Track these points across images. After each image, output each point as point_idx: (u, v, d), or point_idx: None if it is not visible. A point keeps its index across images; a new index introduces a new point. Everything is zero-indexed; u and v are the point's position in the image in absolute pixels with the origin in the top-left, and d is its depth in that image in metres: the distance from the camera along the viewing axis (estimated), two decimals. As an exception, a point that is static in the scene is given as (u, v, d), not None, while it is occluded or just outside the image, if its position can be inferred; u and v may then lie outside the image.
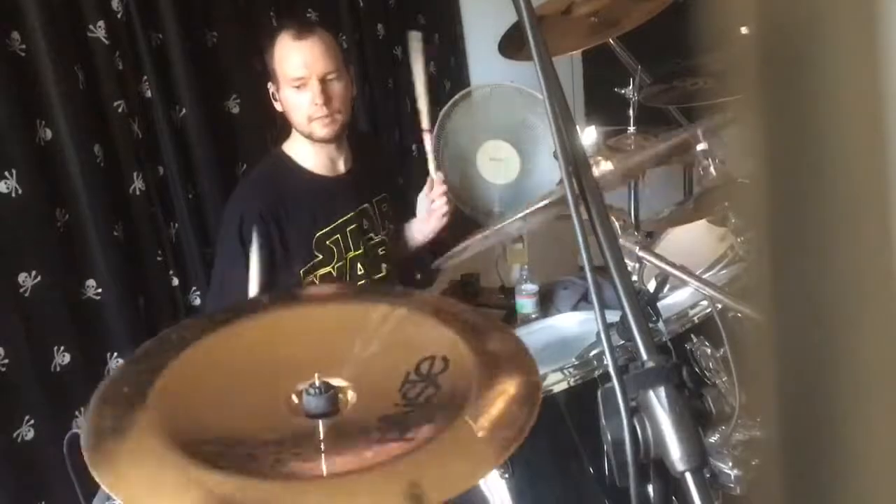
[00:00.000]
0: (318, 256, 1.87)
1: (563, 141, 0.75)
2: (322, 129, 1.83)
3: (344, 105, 1.85)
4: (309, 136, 1.85)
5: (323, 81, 1.79)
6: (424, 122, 1.98)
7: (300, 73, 1.79)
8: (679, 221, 2.01)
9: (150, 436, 0.87)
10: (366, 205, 1.99)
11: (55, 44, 1.75)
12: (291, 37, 1.80)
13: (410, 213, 2.12)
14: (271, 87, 1.87)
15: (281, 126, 1.93)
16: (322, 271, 1.88)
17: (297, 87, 1.80)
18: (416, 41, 1.94)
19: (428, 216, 2.05)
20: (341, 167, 1.96)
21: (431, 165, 2.02)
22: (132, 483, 0.83)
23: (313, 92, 1.79)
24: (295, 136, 1.91)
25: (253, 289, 1.59)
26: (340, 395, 0.97)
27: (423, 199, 2.05)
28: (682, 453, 0.68)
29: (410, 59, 1.95)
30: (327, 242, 1.89)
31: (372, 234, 2.00)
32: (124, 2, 1.94)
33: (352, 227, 1.94)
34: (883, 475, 0.36)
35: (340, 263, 1.91)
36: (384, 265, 2.03)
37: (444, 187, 2.01)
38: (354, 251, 1.94)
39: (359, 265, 1.95)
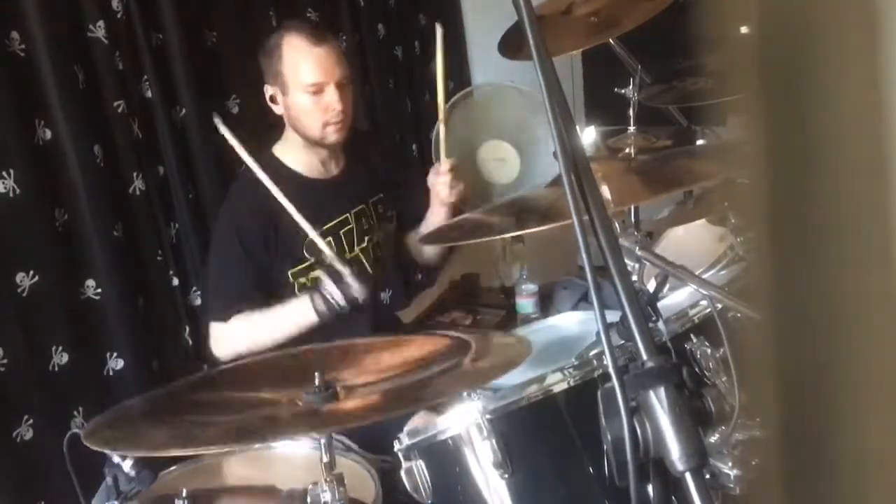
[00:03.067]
0: (308, 259, 1.86)
1: (563, 141, 0.75)
2: (335, 134, 1.84)
3: (353, 109, 1.86)
4: (320, 141, 1.85)
5: (339, 87, 1.79)
6: (441, 113, 1.98)
7: (318, 78, 1.78)
8: (679, 221, 2.01)
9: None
10: (362, 206, 1.98)
11: (55, 44, 1.74)
12: (308, 42, 1.79)
13: (410, 212, 2.12)
14: (270, 90, 1.86)
15: (272, 128, 1.92)
16: (314, 274, 1.87)
17: (313, 92, 1.79)
18: (439, 34, 1.95)
19: (432, 202, 2.03)
20: (333, 169, 1.95)
21: (442, 152, 2.01)
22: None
23: (332, 98, 1.79)
24: (286, 138, 1.90)
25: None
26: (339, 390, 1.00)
27: (431, 183, 2.04)
28: (682, 453, 0.68)
29: (435, 52, 1.96)
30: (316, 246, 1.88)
31: (370, 236, 1.99)
32: (124, 2, 1.93)
33: (346, 229, 1.93)
34: (882, 475, 0.36)
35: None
36: (379, 267, 2.03)
37: (448, 175, 1.98)
38: (349, 254, 1.93)
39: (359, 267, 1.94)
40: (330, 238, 1.87)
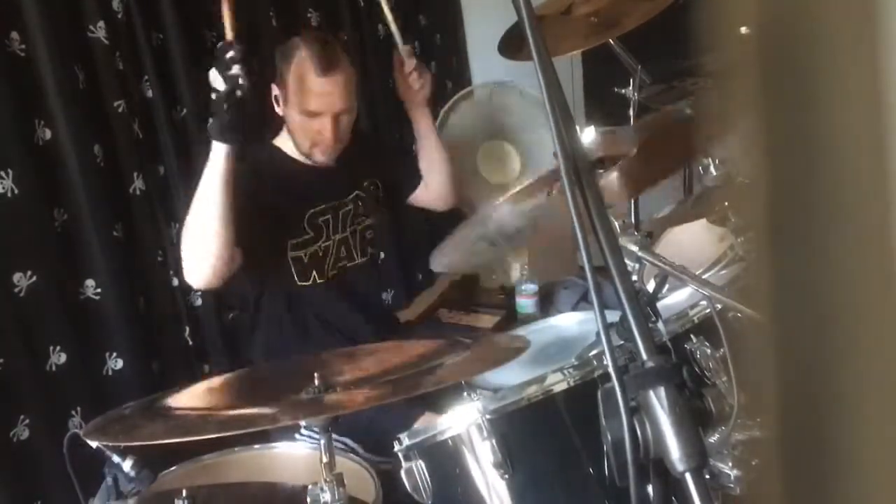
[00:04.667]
0: (308, 233, 1.88)
1: (563, 141, 0.75)
2: (321, 156, 1.86)
3: (347, 134, 1.86)
4: (306, 156, 1.87)
5: (335, 118, 1.80)
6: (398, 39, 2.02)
7: (316, 108, 1.80)
8: (679, 221, 2.01)
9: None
10: (357, 191, 2.00)
11: (55, 44, 1.74)
12: (317, 70, 1.78)
13: (406, 202, 2.14)
14: (275, 90, 1.87)
15: (273, 122, 1.93)
16: (311, 249, 1.89)
17: (309, 116, 1.80)
18: None
19: (407, 94, 2.05)
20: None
21: (398, 40, 2.02)
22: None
23: (324, 127, 1.80)
24: (286, 133, 1.92)
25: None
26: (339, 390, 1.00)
27: (400, 81, 2.04)
28: (682, 453, 0.68)
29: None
30: (319, 220, 1.89)
31: (363, 218, 2.01)
32: (124, 2, 1.93)
33: (345, 210, 1.95)
34: (882, 475, 0.36)
35: (328, 244, 1.92)
36: (370, 249, 2.05)
37: (413, 61, 2.01)
38: (341, 234, 1.95)
39: (342, 248, 1.96)
40: None
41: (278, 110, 1.88)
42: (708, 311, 1.26)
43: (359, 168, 2.02)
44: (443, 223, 2.96)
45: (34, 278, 1.71)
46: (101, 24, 1.87)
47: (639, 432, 0.70)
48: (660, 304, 1.18)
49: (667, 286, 1.26)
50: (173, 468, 1.41)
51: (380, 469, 1.36)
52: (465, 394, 1.20)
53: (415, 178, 2.13)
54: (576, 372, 1.21)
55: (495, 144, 2.61)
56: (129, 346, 1.90)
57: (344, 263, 1.97)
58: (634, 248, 1.25)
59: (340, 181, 1.96)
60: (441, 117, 2.68)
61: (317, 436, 1.12)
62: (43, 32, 1.72)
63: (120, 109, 1.92)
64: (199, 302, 2.16)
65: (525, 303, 2.38)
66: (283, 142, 1.93)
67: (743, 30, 0.39)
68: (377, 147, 2.23)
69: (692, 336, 1.26)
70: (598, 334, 0.73)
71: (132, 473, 1.20)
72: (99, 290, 1.86)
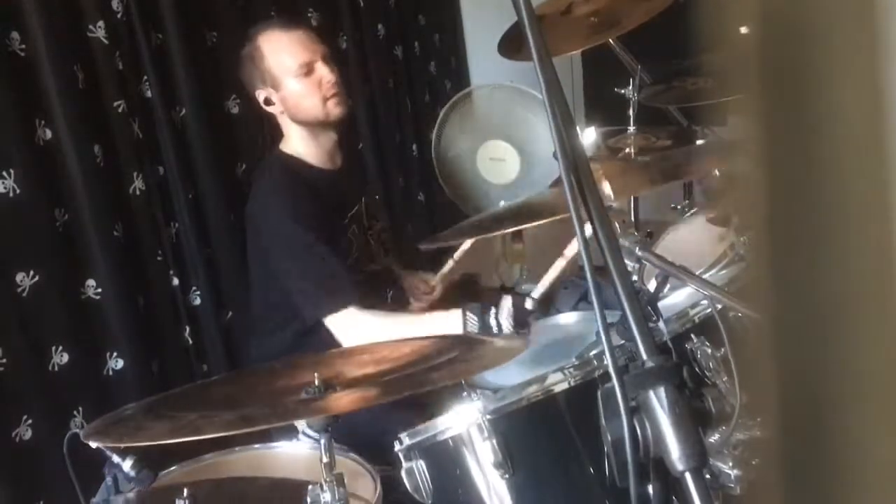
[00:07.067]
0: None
1: (563, 141, 0.75)
2: (337, 108, 1.84)
3: (344, 85, 1.88)
4: (325, 119, 1.84)
5: (326, 62, 1.81)
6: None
7: (305, 58, 1.80)
8: (679, 221, 2.01)
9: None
10: (364, 196, 2.00)
11: (55, 44, 1.74)
12: (282, 30, 1.83)
13: (403, 211, 2.16)
14: (262, 94, 1.85)
15: (270, 130, 1.93)
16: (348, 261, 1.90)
17: (305, 73, 1.80)
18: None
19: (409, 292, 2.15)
20: (338, 160, 1.96)
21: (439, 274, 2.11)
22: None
23: (324, 72, 1.81)
24: (288, 136, 1.90)
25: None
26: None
27: (413, 281, 2.14)
28: (682, 453, 0.68)
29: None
30: (348, 234, 1.90)
31: (375, 221, 2.02)
32: (124, 2, 1.93)
33: (361, 217, 1.96)
34: (882, 475, 0.36)
35: (357, 255, 1.92)
36: (386, 254, 2.06)
37: (431, 297, 2.11)
38: (364, 240, 1.96)
39: (367, 253, 1.97)
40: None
41: (273, 109, 1.86)
42: (709, 310, 1.26)
43: (358, 175, 2.04)
44: (444, 223, 2.96)
45: (36, 278, 1.71)
46: (100, 23, 1.87)
47: (639, 432, 0.70)
48: (660, 304, 1.18)
49: (667, 286, 1.26)
50: (173, 468, 1.41)
51: (379, 475, 1.35)
52: (464, 394, 1.20)
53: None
54: (576, 372, 1.21)
55: (495, 144, 2.61)
56: (130, 346, 1.90)
57: (373, 268, 1.97)
58: (634, 248, 1.25)
59: (349, 186, 1.97)
60: (441, 117, 2.68)
61: (317, 435, 1.11)
62: (43, 32, 1.72)
63: (120, 109, 1.92)
64: (198, 301, 2.16)
65: (525, 303, 2.38)
66: (289, 146, 1.92)
67: (743, 30, 0.39)
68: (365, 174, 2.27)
69: (693, 336, 1.26)
70: (598, 334, 0.73)
71: (132, 473, 1.20)
72: (99, 290, 1.86)
